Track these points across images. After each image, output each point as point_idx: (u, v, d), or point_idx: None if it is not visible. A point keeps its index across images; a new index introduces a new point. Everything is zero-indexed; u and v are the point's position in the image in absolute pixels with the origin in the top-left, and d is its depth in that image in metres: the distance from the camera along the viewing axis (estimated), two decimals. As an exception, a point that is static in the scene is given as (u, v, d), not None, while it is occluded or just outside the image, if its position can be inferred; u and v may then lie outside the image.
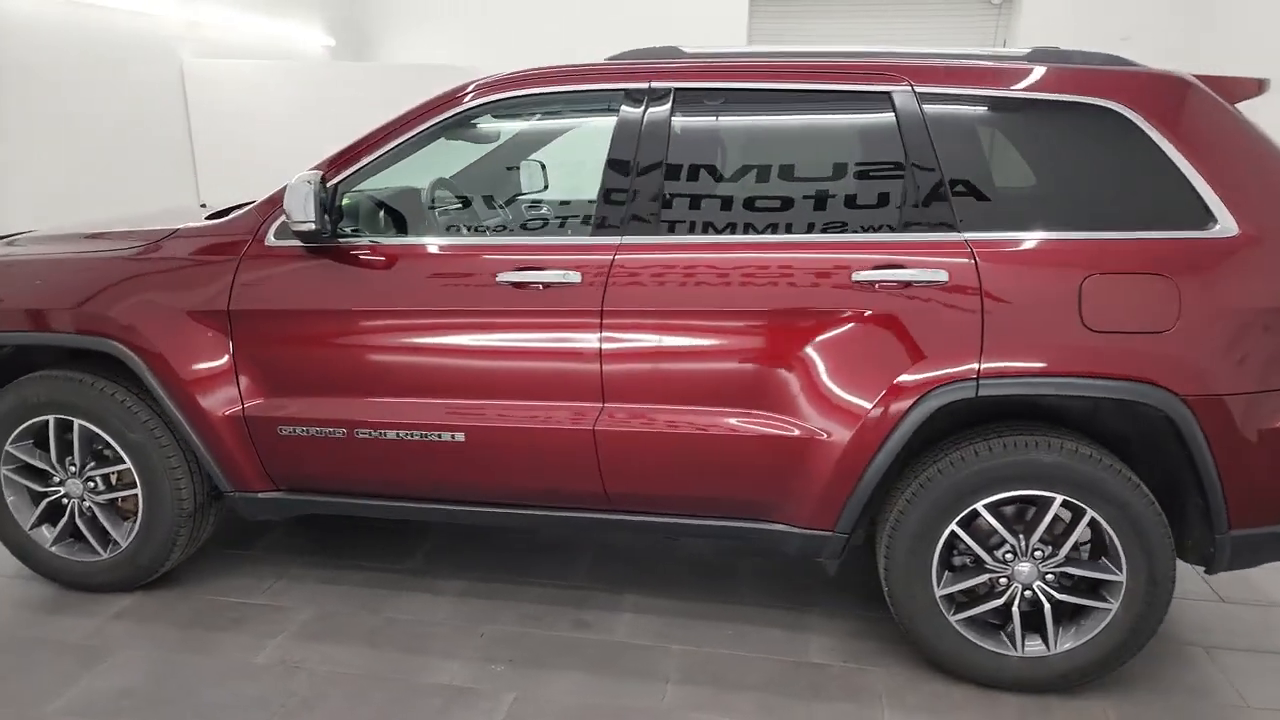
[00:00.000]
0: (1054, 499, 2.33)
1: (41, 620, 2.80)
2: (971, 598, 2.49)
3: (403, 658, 2.62)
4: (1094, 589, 2.42)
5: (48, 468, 2.87)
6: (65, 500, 2.89)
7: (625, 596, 2.97)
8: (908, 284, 2.31)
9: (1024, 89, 2.35)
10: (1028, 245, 2.30)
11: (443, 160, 2.89)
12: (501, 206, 3.04)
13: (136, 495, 2.82)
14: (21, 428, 2.82)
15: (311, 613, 2.85)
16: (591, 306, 2.45)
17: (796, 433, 2.41)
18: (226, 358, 2.67)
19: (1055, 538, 2.40)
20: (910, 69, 2.40)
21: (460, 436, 2.58)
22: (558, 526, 2.78)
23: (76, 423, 2.79)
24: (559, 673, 2.57)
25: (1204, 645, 2.72)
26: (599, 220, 2.50)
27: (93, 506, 2.88)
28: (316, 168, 2.60)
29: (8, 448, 2.85)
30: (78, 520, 2.90)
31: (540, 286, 2.47)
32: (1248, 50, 8.45)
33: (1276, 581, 3.04)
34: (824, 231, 2.42)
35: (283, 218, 2.62)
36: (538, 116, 2.70)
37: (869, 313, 2.33)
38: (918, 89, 2.38)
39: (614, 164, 2.50)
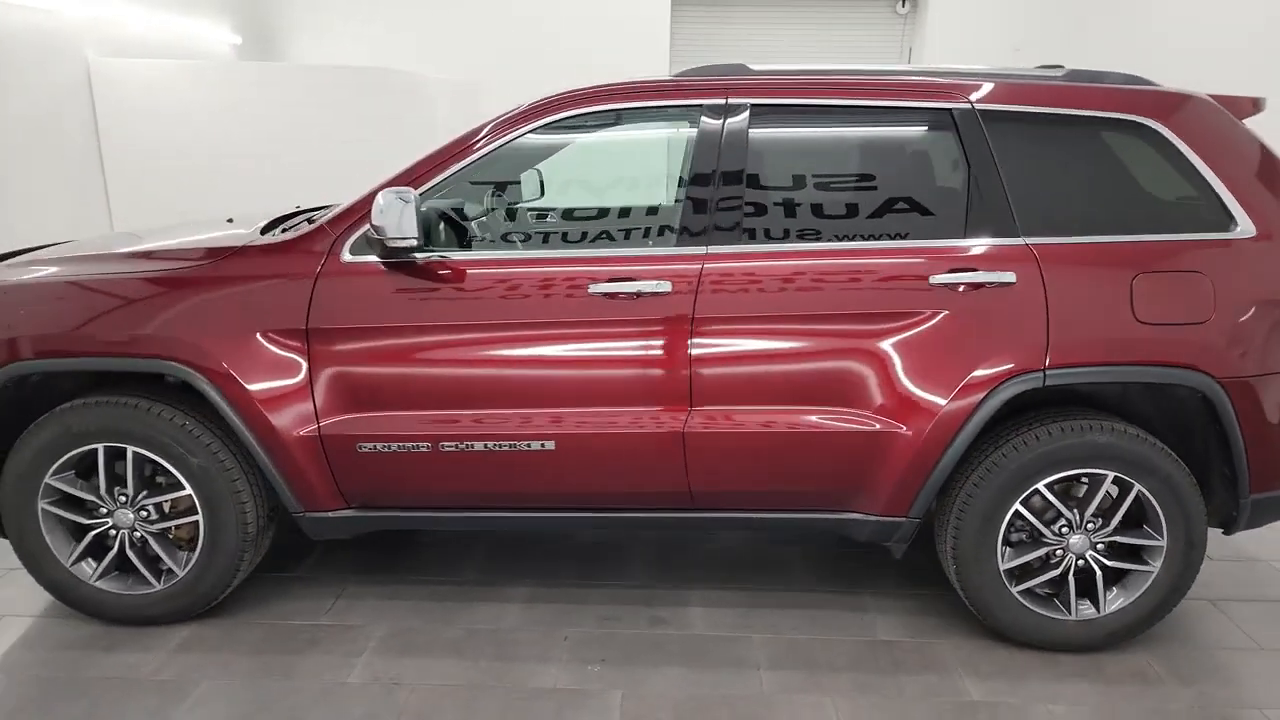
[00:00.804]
0: (1106, 475, 2.59)
1: (99, 659, 2.67)
2: (1028, 570, 2.72)
3: (497, 666, 2.65)
4: (1135, 554, 2.69)
5: (94, 499, 2.73)
6: (113, 532, 2.76)
7: (689, 592, 3.08)
8: (980, 285, 2.52)
9: (1073, 106, 2.60)
10: (1085, 248, 2.54)
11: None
12: (580, 218, 3.09)
13: (197, 522, 2.72)
14: (64, 459, 2.68)
15: (386, 629, 2.83)
16: (683, 314, 2.55)
17: (878, 427, 2.59)
18: (302, 377, 2.62)
19: (1104, 511, 2.66)
20: (970, 88, 2.61)
21: (550, 445, 2.63)
22: (636, 528, 2.86)
23: (130, 450, 2.67)
24: (654, 669, 2.65)
25: (1209, 599, 3.06)
26: (683, 230, 2.60)
27: (145, 536, 2.76)
28: (398, 180, 2.59)
29: (48, 480, 2.70)
30: (128, 552, 2.77)
31: (633, 296, 2.55)
32: (1119, 59, 9.20)
33: (1250, 540, 3.43)
34: (896, 238, 2.60)
35: (359, 232, 2.60)
36: (615, 129, 2.77)
37: (945, 313, 2.53)
38: (978, 106, 2.59)
39: (696, 176, 2.60)
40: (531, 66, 9.46)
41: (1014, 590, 2.70)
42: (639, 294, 2.55)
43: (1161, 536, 2.63)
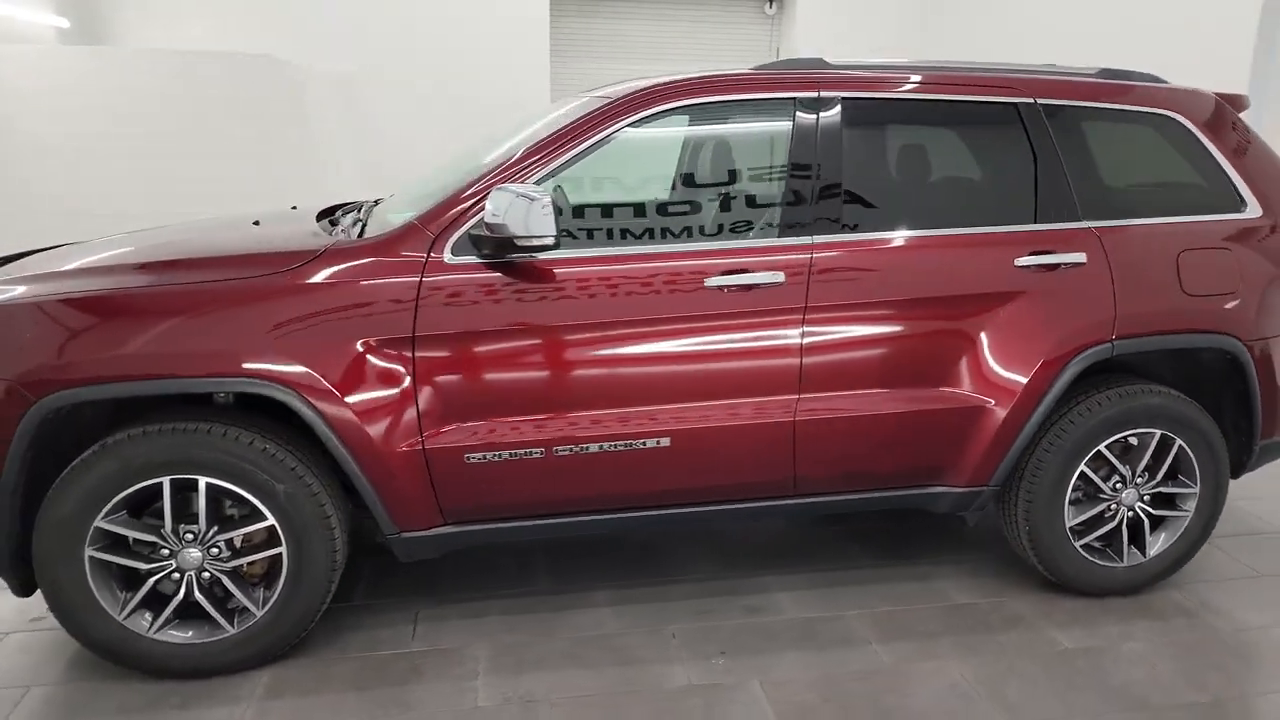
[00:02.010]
0: (1155, 434, 2.89)
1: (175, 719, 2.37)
2: (1089, 525, 2.98)
3: (623, 671, 2.59)
4: (1171, 502, 3.02)
5: (156, 539, 2.42)
6: (176, 575, 2.45)
7: (766, 579, 3.13)
8: (1055, 267, 2.73)
9: (1116, 101, 2.87)
10: (1137, 229, 2.82)
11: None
12: (682, 211, 3.02)
13: (280, 554, 2.47)
14: (119, 497, 2.35)
15: (488, 648, 2.69)
16: (795, 304, 2.59)
17: (970, 404, 2.75)
18: (406, 388, 2.44)
19: (1148, 465, 2.96)
20: (1034, 83, 2.81)
21: (665, 441, 2.60)
22: (737, 520, 2.87)
23: (203, 481, 2.38)
24: (775, 655, 2.69)
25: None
26: (788, 221, 2.64)
27: (217, 576, 2.47)
28: (504, 174, 2.46)
29: (99, 524, 2.36)
30: (197, 595, 2.47)
31: (746, 288, 2.56)
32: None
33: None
34: (979, 225, 2.76)
35: (460, 231, 2.45)
36: (708, 122, 2.75)
37: (1027, 293, 2.73)
38: (1039, 101, 2.80)
39: (797, 168, 2.65)
40: (406, 57, 9.12)
41: (1077, 545, 2.95)
42: (753, 285, 2.57)
43: (1195, 484, 2.96)
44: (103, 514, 2.35)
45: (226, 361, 2.32)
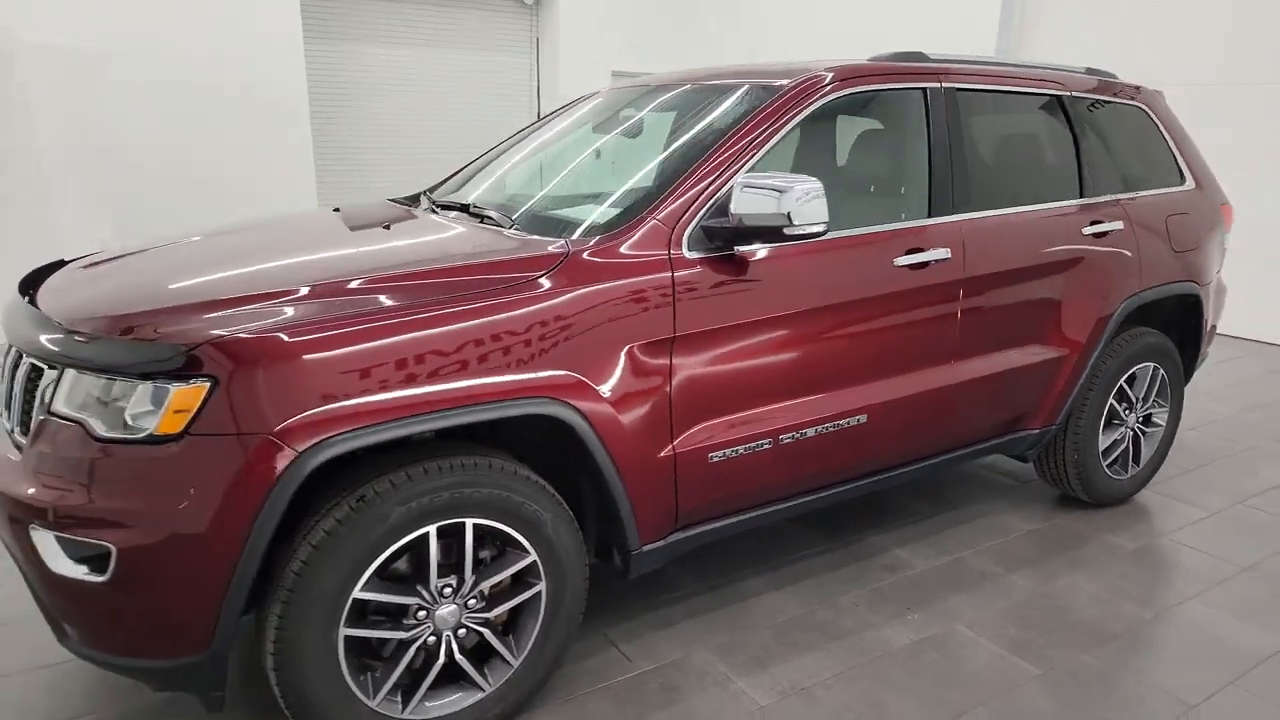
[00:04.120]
0: (1150, 366, 3.57)
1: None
2: (1109, 447, 3.59)
3: (847, 643, 2.68)
4: (1148, 419, 3.74)
5: (414, 601, 2.05)
6: (431, 639, 2.10)
7: (872, 540, 3.36)
8: (1106, 233, 3.27)
9: (1111, 95, 3.47)
10: (1145, 199, 3.45)
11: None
12: (868, 193, 3.02)
13: (539, 593, 2.22)
14: (383, 557, 1.97)
15: (710, 653, 2.62)
16: (957, 277, 2.84)
17: (1055, 354, 3.20)
18: (665, 391, 2.31)
19: (1144, 393, 3.64)
20: (1066, 79, 3.31)
21: (863, 419, 2.72)
22: (893, 485, 3.05)
23: (469, 524, 2.07)
24: (946, 599, 2.94)
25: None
26: (939, 200, 2.86)
27: (476, 631, 2.16)
28: (718, 164, 2.42)
29: (358, 594, 1.95)
30: (458, 657, 2.14)
31: (923, 265, 2.76)
32: (734, 57, 11.02)
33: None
34: (1056, 200, 3.20)
35: (694, 224, 2.36)
36: (860, 108, 2.85)
37: (1089, 256, 3.23)
38: (1073, 94, 3.31)
39: (938, 150, 2.88)
40: (141, 35, 7.94)
41: (1104, 465, 3.56)
42: (929, 262, 2.77)
43: (1168, 403, 3.71)
44: (362, 581, 1.95)
45: (508, 383, 2.03)
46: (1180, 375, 3.71)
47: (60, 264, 2.62)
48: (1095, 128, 3.39)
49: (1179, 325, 3.79)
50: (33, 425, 1.92)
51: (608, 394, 2.19)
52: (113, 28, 7.86)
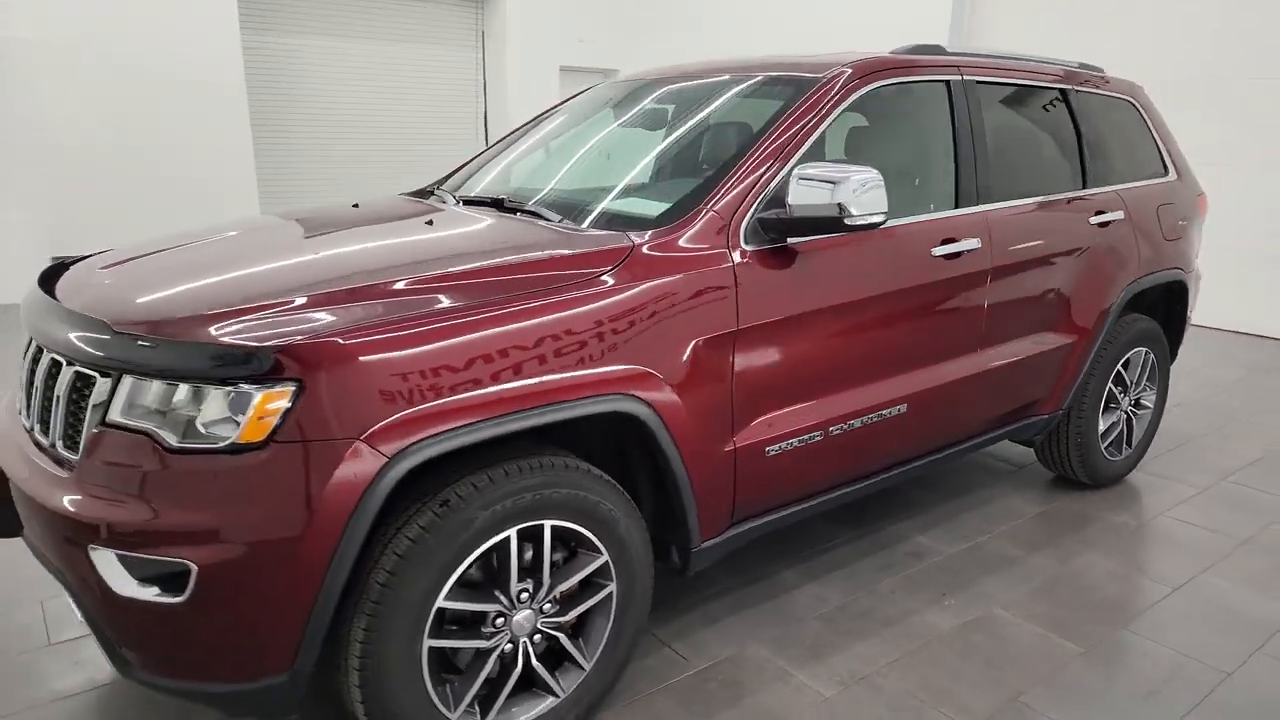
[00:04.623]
0: (1143, 350, 3.71)
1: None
2: (1107, 430, 3.72)
3: (895, 630, 2.71)
4: (1139, 401, 3.89)
5: (493, 608, 1.99)
6: (507, 647, 2.04)
7: (892, 528, 3.41)
8: (1109, 223, 3.38)
9: (1102, 89, 3.59)
10: (1139, 189, 3.57)
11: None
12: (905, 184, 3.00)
13: (610, 594, 2.18)
14: (466, 564, 1.90)
15: (763, 647, 2.61)
16: (986, 266, 2.90)
17: (1067, 341, 3.30)
18: (728, 385, 2.29)
19: (1138, 377, 3.78)
20: (1064, 73, 3.40)
21: (904, 408, 2.75)
22: (932, 468, 3.09)
23: (547, 526, 2.02)
24: (977, 582, 3.00)
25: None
26: (965, 191, 2.91)
27: (551, 635, 2.11)
28: (767, 157, 2.41)
29: (442, 603, 1.88)
30: (535, 664, 2.08)
31: (957, 255, 2.80)
32: (676, 53, 11.05)
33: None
34: (1064, 191, 3.29)
35: (749, 216, 2.34)
36: (889, 101, 2.87)
37: (1095, 245, 3.33)
38: (1074, 87, 3.41)
39: (963, 141, 2.93)
40: (67, 22, 7.61)
41: (1103, 446, 3.68)
42: (961, 252, 2.81)
43: (1155, 387, 3.86)
44: (446, 589, 1.88)
45: (590, 378, 1.99)
46: (1167, 359, 3.86)
47: (63, 265, 2.45)
48: (1094, 120, 3.50)
49: (1165, 311, 3.94)
50: (85, 438, 1.79)
51: (677, 389, 2.16)
52: (34, 15, 7.44)
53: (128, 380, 1.75)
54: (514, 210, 2.62)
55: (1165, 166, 3.84)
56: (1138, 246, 3.51)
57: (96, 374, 1.79)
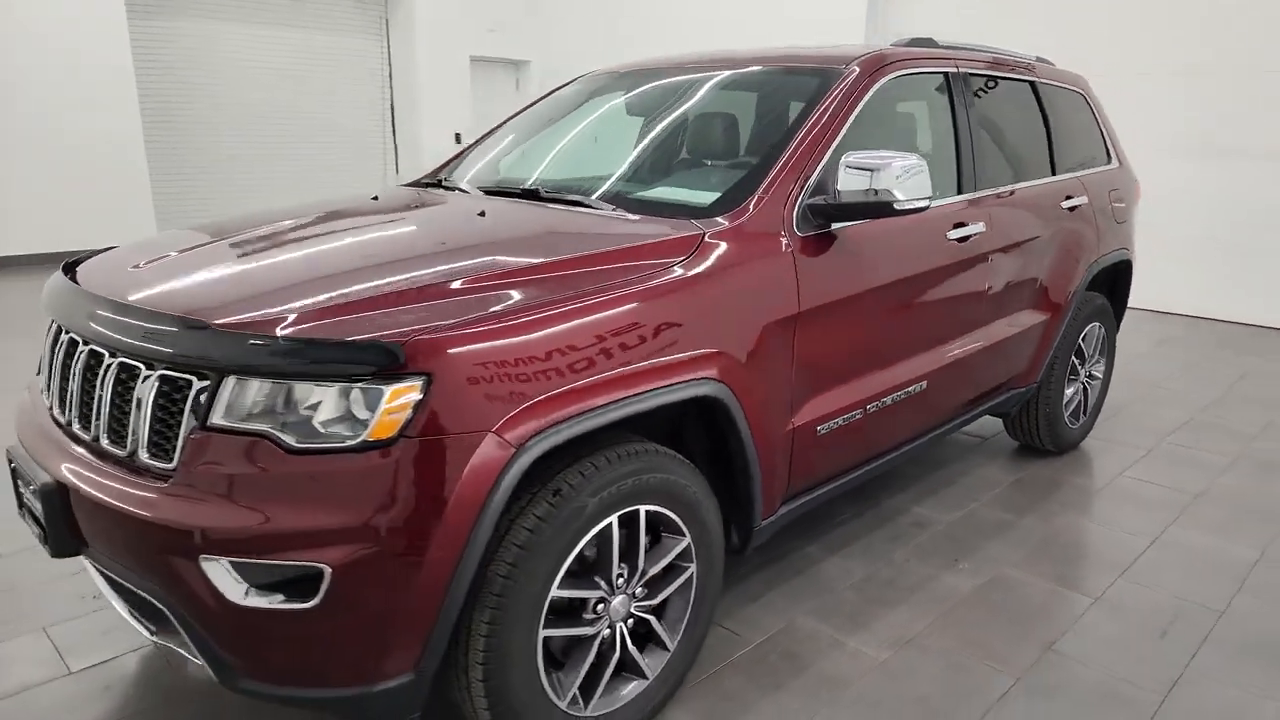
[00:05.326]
0: (1098, 325, 4.02)
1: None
2: (1069, 399, 4.01)
3: (922, 595, 2.86)
4: (1091, 372, 4.21)
5: (597, 594, 2.00)
6: (608, 631, 2.07)
7: (890, 502, 3.58)
8: (1076, 207, 3.64)
9: (1063, 83, 3.85)
10: (1094, 175, 3.86)
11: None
12: None
13: (691, 575, 2.23)
14: (575, 553, 1.91)
15: (809, 618, 2.72)
16: (987, 249, 3.08)
17: (1043, 318, 3.54)
18: (789, 367, 2.36)
19: (1092, 349, 4.09)
20: (1032, 65, 3.64)
21: (924, 385, 2.90)
22: (935, 443, 3.26)
23: (643, 511, 2.05)
24: (985, 548, 3.20)
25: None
26: (967, 177, 3.08)
27: (643, 619, 2.14)
28: (809, 145, 2.50)
29: (556, 592, 1.89)
30: (631, 648, 2.11)
31: (967, 238, 2.97)
32: (589, 48, 11.04)
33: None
34: (1041, 177, 3.52)
35: (799, 201, 2.42)
36: (903, 91, 2.98)
37: (1065, 227, 3.59)
38: (1040, 79, 3.66)
39: (961, 130, 3.10)
40: None
41: (1065, 415, 3.97)
42: (970, 235, 2.98)
43: (1105, 359, 4.19)
44: (559, 577, 1.89)
45: (685, 362, 2.03)
46: (1115, 333, 4.19)
47: (74, 264, 2.30)
48: (1056, 110, 3.76)
49: (1110, 288, 4.28)
50: (181, 443, 1.70)
51: (751, 372, 2.22)
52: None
53: (230, 381, 1.67)
54: (554, 200, 2.61)
55: (1109, 154, 4.16)
56: (1097, 229, 3.79)
57: (193, 377, 1.71)
